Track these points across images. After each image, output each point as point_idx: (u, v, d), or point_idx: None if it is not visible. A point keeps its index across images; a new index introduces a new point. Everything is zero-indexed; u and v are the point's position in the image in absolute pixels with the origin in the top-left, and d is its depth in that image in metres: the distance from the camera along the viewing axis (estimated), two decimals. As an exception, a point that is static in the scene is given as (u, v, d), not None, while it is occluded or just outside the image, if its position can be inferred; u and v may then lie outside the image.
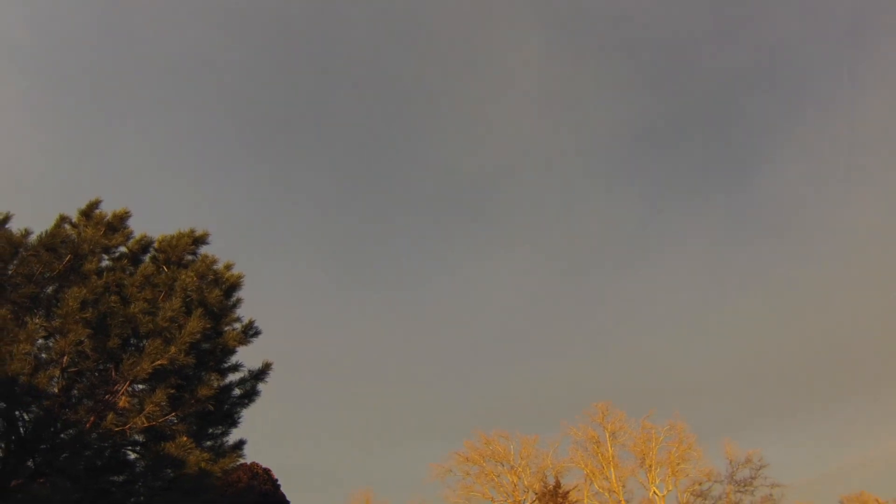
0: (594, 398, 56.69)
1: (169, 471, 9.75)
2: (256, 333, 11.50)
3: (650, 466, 45.13)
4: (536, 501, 42.34)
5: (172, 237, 11.15)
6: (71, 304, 9.04)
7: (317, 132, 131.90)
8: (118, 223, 10.79)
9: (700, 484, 44.38)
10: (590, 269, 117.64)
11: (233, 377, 11.44)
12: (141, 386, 9.99)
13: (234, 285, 11.30)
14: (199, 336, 9.92)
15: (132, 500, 10.26)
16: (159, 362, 9.47)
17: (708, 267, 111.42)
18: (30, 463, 9.38)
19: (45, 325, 9.44)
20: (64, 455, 9.29)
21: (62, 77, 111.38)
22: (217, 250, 11.45)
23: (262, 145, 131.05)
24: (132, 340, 10.02)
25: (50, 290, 9.68)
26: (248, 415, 11.59)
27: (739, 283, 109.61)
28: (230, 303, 11.28)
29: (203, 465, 9.73)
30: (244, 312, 11.53)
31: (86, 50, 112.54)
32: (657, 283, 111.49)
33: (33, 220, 9.89)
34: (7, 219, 9.62)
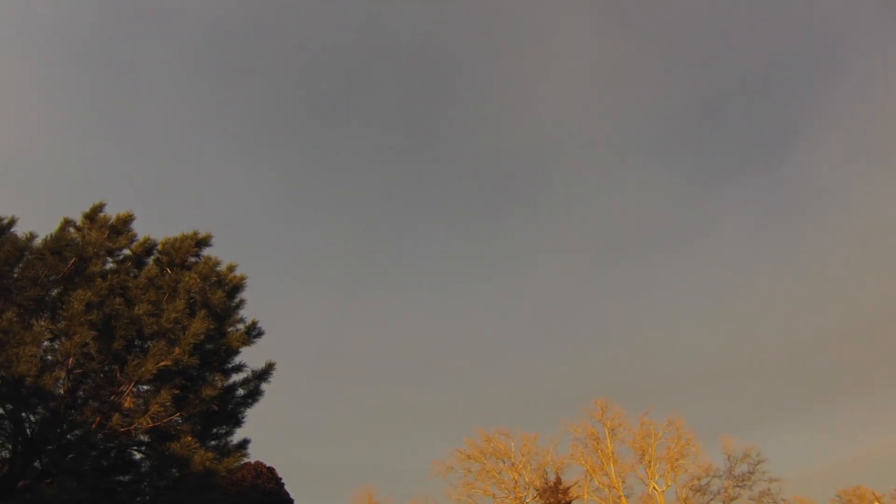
0: (594, 395, 56.87)
1: (174, 470, 9.83)
2: (259, 334, 11.57)
3: (649, 462, 45.39)
4: (537, 498, 42.55)
5: (176, 239, 11.19)
6: (76, 306, 9.12)
7: (327, 131, 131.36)
8: (122, 226, 10.84)
9: (699, 479, 44.71)
10: (590, 268, 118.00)
11: (236, 377, 11.51)
12: (146, 387, 10.06)
13: (237, 286, 11.37)
14: (202, 337, 9.99)
15: (138, 499, 10.34)
16: (164, 363, 9.55)
17: (706, 266, 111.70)
18: (36, 463, 9.47)
19: (50, 327, 9.51)
20: (70, 455, 9.38)
21: (63, 77, 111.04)
22: (224, 249, 11.53)
23: (281, 140, 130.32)
24: (137, 342, 10.09)
25: (55, 292, 9.73)
26: (251, 414, 11.69)
27: (739, 282, 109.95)
28: (233, 304, 11.34)
29: (208, 464, 9.80)
30: (249, 313, 11.64)
31: (87, 49, 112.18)
32: (657, 282, 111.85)
33: (33, 219, 9.97)
34: (12, 223, 9.70)
